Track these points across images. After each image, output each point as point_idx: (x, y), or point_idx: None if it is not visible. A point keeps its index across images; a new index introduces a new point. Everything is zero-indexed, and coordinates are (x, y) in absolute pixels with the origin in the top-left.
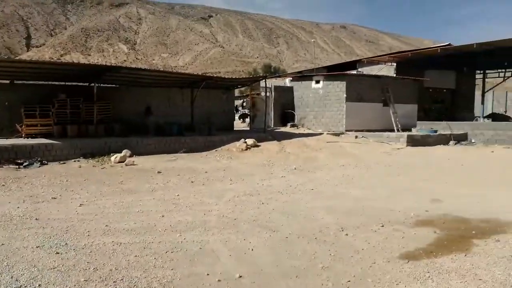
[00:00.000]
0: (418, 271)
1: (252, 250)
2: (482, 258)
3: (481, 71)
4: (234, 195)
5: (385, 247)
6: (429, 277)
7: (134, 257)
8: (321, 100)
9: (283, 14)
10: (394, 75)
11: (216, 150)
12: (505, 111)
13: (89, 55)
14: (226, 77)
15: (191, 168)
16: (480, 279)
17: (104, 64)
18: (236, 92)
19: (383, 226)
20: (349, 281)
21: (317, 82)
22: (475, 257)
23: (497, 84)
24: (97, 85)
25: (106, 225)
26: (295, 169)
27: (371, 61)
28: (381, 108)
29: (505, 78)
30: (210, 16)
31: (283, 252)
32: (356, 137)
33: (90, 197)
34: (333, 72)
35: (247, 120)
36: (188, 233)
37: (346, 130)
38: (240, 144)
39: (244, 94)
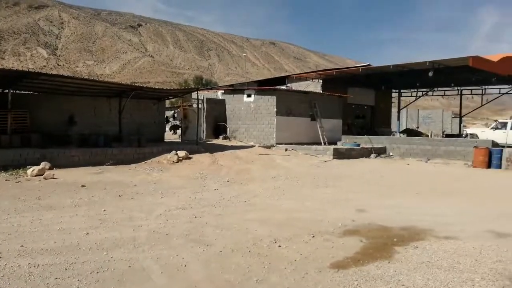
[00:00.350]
0: (347, 279)
1: (185, 266)
2: (404, 265)
3: (397, 90)
4: (165, 209)
5: (316, 257)
6: (357, 285)
7: (54, 280)
8: (252, 113)
9: (214, 27)
10: (321, 91)
11: (145, 163)
12: (417, 127)
13: (3, 58)
14: (157, 87)
15: (119, 181)
16: (403, 285)
17: (21, 69)
18: (167, 103)
19: (314, 236)
20: None
21: (249, 95)
22: (397, 264)
23: (411, 103)
24: (12, 91)
25: (22, 245)
26: (228, 181)
27: (299, 77)
28: (309, 122)
29: (417, 97)
30: (139, 25)
31: (217, 267)
32: (286, 149)
33: (2, 215)
34: (264, 86)
35: (179, 131)
36: (115, 251)
37: (277, 143)
38: (171, 156)
39: (175, 105)
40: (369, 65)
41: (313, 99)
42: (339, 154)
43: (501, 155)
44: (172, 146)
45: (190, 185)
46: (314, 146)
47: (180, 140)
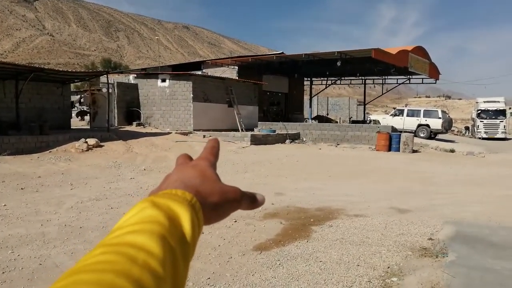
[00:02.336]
0: (270, 260)
1: None
2: (320, 242)
3: (308, 78)
4: (77, 201)
5: (239, 241)
6: (280, 264)
7: None
8: (168, 99)
9: (122, 6)
10: (236, 78)
11: (50, 152)
12: (327, 114)
13: None
14: (61, 69)
15: (20, 172)
16: (320, 261)
17: None
18: (72, 87)
19: (236, 221)
20: (209, 278)
21: (163, 80)
22: (315, 242)
23: (321, 91)
24: None
25: None
26: (144, 169)
27: (215, 63)
28: (226, 108)
29: (327, 85)
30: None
31: None
32: (204, 136)
33: None
34: (179, 71)
35: (87, 118)
36: (22, 249)
37: (194, 130)
38: (80, 144)
39: (82, 90)
40: (282, 53)
41: (230, 85)
42: (256, 140)
43: (399, 139)
44: (81, 134)
45: (104, 174)
46: (232, 133)
47: (89, 127)
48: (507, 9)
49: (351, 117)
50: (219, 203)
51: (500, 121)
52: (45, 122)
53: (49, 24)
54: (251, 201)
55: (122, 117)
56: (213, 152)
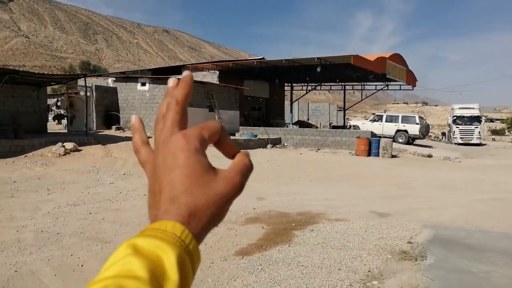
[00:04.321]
0: (252, 264)
1: (82, 265)
2: (302, 247)
3: (289, 84)
4: (54, 207)
5: (221, 246)
6: (261, 269)
7: None
8: (148, 103)
9: (99, 9)
10: (217, 82)
11: (26, 156)
12: (308, 119)
13: None
14: (36, 72)
15: None
16: (302, 265)
17: None
18: (49, 90)
19: (217, 226)
20: None
21: (143, 84)
22: (296, 247)
23: (301, 96)
24: None
25: None
26: (124, 174)
27: (195, 67)
28: (207, 113)
29: (307, 91)
30: (10, 0)
31: None
32: None
33: None
34: (159, 75)
35: (64, 121)
36: None
37: None
38: (57, 148)
39: (59, 93)
40: (263, 58)
41: (211, 90)
42: (238, 145)
43: (379, 144)
44: (58, 138)
45: (82, 179)
46: None
47: (66, 131)
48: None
49: (331, 123)
50: (217, 212)
51: (475, 127)
52: (20, 126)
53: (25, 25)
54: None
55: (100, 121)
56: (185, 101)
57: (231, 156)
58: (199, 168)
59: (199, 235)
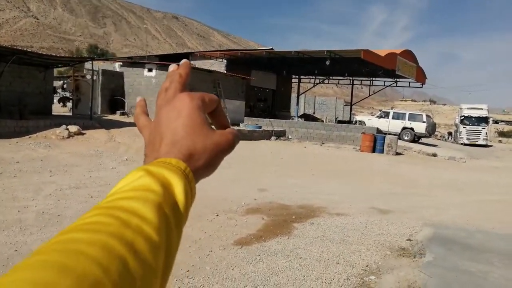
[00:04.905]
0: (250, 255)
1: None
2: (301, 239)
3: (297, 76)
4: (56, 189)
5: (220, 235)
6: (260, 259)
7: None
8: (154, 89)
9: None
10: (225, 71)
11: (30, 137)
12: (314, 112)
13: None
14: (44, 53)
15: None
16: (301, 257)
17: None
18: (55, 72)
19: (217, 215)
20: (188, 270)
21: (150, 70)
22: (296, 239)
23: (309, 89)
24: None
25: None
26: (126, 160)
27: (203, 55)
28: None
29: (315, 84)
30: None
31: None
32: None
33: None
34: (166, 61)
35: (69, 104)
36: None
37: None
38: (61, 131)
39: (65, 75)
40: (272, 49)
41: (217, 78)
42: (242, 136)
43: (384, 141)
44: (62, 120)
45: (84, 162)
46: None
47: (71, 114)
48: (495, 19)
49: (337, 117)
50: (213, 159)
51: (482, 128)
52: (25, 106)
53: (34, 6)
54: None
55: (105, 105)
56: (186, 76)
57: (223, 127)
58: (200, 121)
59: (195, 176)
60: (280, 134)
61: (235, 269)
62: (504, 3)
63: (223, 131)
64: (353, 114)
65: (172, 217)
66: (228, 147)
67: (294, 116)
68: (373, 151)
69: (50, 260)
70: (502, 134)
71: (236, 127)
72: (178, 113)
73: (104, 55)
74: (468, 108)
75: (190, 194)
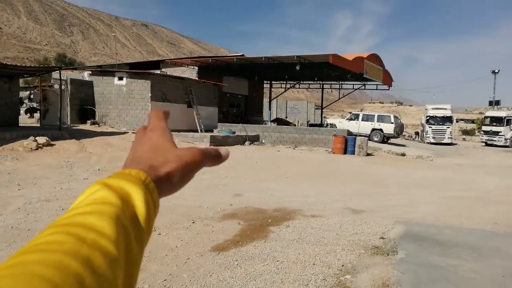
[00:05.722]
0: (228, 260)
1: None
2: (278, 243)
3: (268, 81)
4: (25, 202)
5: (197, 242)
6: (237, 264)
7: None
8: (125, 97)
9: (76, 0)
10: (196, 78)
11: None
12: (286, 117)
13: None
14: (9, 63)
15: None
16: (278, 261)
17: None
18: (21, 83)
19: (194, 222)
20: (165, 280)
21: (120, 78)
22: (272, 242)
23: (280, 94)
24: None
25: None
26: (99, 170)
27: (174, 63)
28: (185, 109)
29: (286, 89)
30: None
31: None
32: None
33: None
34: (136, 69)
35: (37, 115)
36: None
37: None
38: (28, 142)
39: (32, 85)
40: (242, 55)
41: (189, 85)
42: (216, 141)
43: (355, 142)
44: (30, 131)
45: (54, 174)
46: (191, 133)
47: (39, 125)
48: (455, 23)
49: (309, 121)
50: (175, 170)
51: (447, 127)
52: None
53: None
54: (215, 156)
55: (75, 115)
56: (161, 117)
57: None
58: (164, 143)
59: (159, 188)
60: (254, 139)
61: (213, 276)
62: (463, 7)
63: (191, 147)
64: (324, 117)
65: (131, 229)
66: (193, 160)
67: (267, 121)
68: (345, 152)
69: (2, 286)
70: (465, 132)
71: (209, 133)
72: (147, 141)
73: (72, 64)
74: (433, 109)
75: (152, 204)
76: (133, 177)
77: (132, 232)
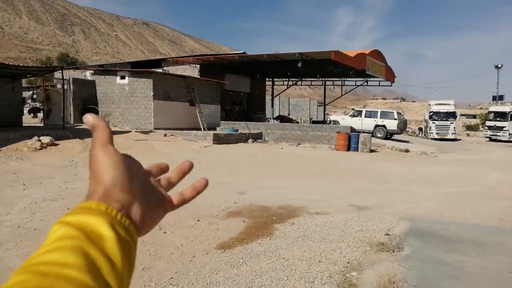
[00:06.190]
0: (233, 258)
1: None
2: (283, 240)
3: (270, 79)
4: (30, 202)
5: (202, 240)
6: (243, 262)
7: None
8: (127, 96)
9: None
10: (198, 76)
11: (0, 150)
12: (289, 114)
13: None
14: (11, 63)
15: None
16: (283, 258)
17: None
18: (24, 83)
19: (199, 220)
20: (172, 278)
21: (123, 77)
22: (277, 240)
23: (282, 91)
24: None
25: None
26: None
27: (176, 61)
28: (188, 107)
29: (288, 86)
30: None
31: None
32: (166, 135)
33: None
34: (138, 68)
35: (40, 115)
36: None
37: (155, 128)
38: (33, 142)
39: (34, 85)
40: (244, 53)
41: (191, 84)
42: (219, 139)
43: (358, 139)
44: (34, 131)
45: (59, 174)
46: (194, 132)
47: (42, 125)
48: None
49: (311, 118)
50: (121, 180)
51: (451, 123)
52: None
53: None
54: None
55: (78, 114)
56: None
57: None
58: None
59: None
60: (257, 137)
61: (219, 273)
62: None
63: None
64: (327, 114)
65: (99, 254)
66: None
67: (270, 118)
68: (348, 149)
69: None
70: (469, 127)
71: (212, 131)
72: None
73: (74, 64)
74: (436, 104)
75: (121, 229)
76: (94, 210)
77: (100, 256)
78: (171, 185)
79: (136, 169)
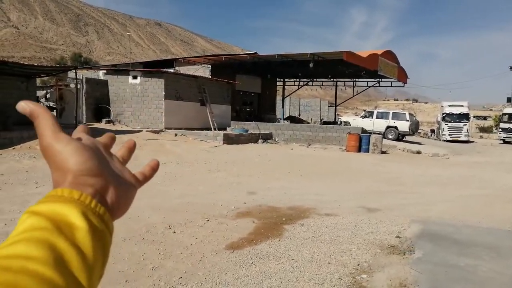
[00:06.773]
0: (242, 258)
1: None
2: (292, 241)
3: (281, 79)
4: None
5: (212, 240)
6: (252, 263)
7: None
8: (139, 96)
9: (91, 0)
10: (209, 76)
11: (14, 148)
12: (299, 114)
13: None
14: (26, 63)
15: None
16: (292, 259)
17: None
18: (38, 82)
19: (208, 220)
20: (181, 277)
21: (135, 77)
22: (287, 241)
23: (293, 92)
24: None
25: None
26: None
27: (187, 61)
28: (199, 107)
29: (299, 86)
30: None
31: (109, 258)
32: (176, 135)
33: None
34: (150, 68)
35: (53, 114)
36: None
37: (166, 128)
38: None
39: (48, 85)
40: (255, 53)
41: (203, 84)
42: (229, 139)
43: (369, 140)
44: None
45: None
46: (205, 132)
47: None
48: (472, 17)
49: (322, 118)
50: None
51: (464, 125)
52: (8, 117)
53: (14, 16)
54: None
55: (90, 114)
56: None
57: None
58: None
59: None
60: (267, 137)
61: (228, 274)
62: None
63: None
64: (338, 115)
65: (68, 246)
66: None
67: (280, 119)
68: (359, 150)
69: None
70: (483, 129)
71: (223, 131)
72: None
73: (87, 64)
74: (449, 106)
75: (95, 218)
76: (65, 198)
77: (69, 247)
78: (125, 162)
79: (98, 151)
